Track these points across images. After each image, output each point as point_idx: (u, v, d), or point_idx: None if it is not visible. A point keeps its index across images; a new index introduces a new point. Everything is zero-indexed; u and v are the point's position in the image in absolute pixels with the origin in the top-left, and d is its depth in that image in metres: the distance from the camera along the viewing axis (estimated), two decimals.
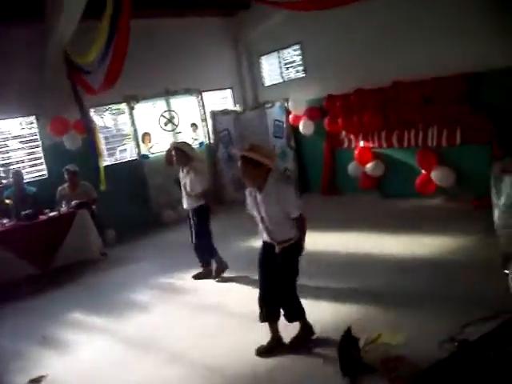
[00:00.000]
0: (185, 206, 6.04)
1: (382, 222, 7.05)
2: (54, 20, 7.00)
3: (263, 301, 3.98)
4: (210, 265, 6.11)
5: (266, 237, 3.95)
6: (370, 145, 8.68)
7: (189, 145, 6.07)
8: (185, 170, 5.88)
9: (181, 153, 5.78)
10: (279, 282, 3.90)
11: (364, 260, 5.76)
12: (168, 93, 10.13)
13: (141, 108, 9.91)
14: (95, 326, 5.26)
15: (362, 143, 8.82)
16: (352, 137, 9.06)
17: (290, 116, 9.93)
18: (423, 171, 7.77)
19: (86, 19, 6.85)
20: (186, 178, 5.87)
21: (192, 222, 5.97)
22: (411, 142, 7.96)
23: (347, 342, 3.40)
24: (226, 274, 5.96)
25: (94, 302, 5.92)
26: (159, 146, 10.04)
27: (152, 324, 4.99)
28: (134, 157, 9.99)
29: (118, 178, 9.33)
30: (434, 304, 4.21)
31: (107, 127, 10.37)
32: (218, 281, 5.91)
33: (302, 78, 10.08)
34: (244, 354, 3.91)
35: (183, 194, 5.97)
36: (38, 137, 8.93)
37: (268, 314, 3.97)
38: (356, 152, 8.83)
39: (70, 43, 7.67)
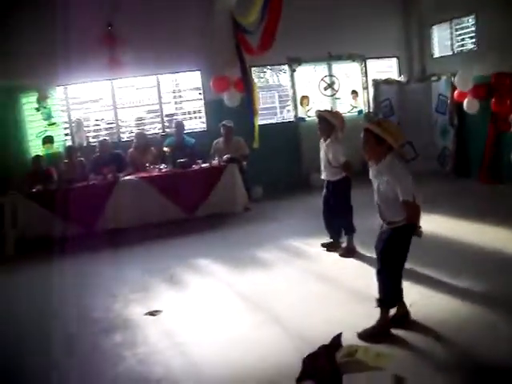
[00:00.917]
0: (323, 176, 5.83)
1: None
2: None
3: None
4: (340, 239, 5.89)
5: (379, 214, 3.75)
6: None
7: (333, 113, 5.83)
8: (327, 140, 5.63)
9: (324, 122, 5.60)
10: (380, 261, 3.68)
11: (504, 262, 5.06)
12: (331, 57, 9.93)
13: (302, 71, 9.89)
14: (218, 274, 5.52)
15: None
16: None
17: (456, 92, 9.06)
18: None
19: None
20: (327, 148, 5.63)
21: (329, 194, 5.76)
22: None
23: (326, 348, 3.05)
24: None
25: (224, 252, 6.18)
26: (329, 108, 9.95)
27: (267, 283, 5.05)
28: (291, 118, 10.06)
29: (272, 137, 9.50)
30: None
31: (270, 86, 10.57)
32: (341, 255, 5.72)
33: (473, 51, 9.10)
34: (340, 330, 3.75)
35: (322, 164, 5.77)
36: (201, 91, 9.44)
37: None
38: None
39: (236, 3, 7.87)
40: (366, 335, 3.58)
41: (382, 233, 3.78)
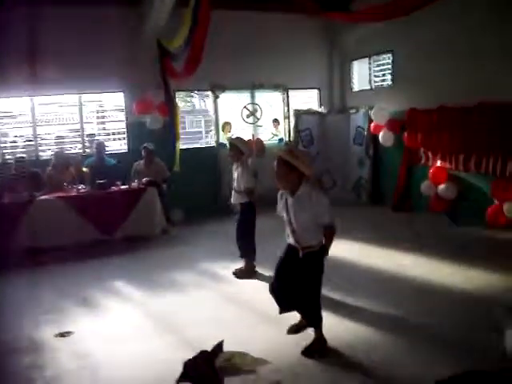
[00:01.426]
0: (232, 200, 6.19)
1: (444, 248, 6.74)
2: (150, 6, 7.43)
3: (277, 292, 4.05)
4: (251, 260, 6.15)
5: (291, 240, 3.98)
6: (447, 165, 8.32)
7: (242, 140, 6.17)
8: (236, 165, 6.02)
9: (234, 148, 5.94)
10: (300, 287, 3.93)
11: (409, 284, 5.52)
12: (254, 86, 10.34)
13: (226, 97, 10.21)
14: (132, 296, 5.60)
15: (438, 162, 8.48)
16: (430, 154, 8.73)
17: (372, 124, 9.75)
18: (496, 201, 7.33)
19: (180, 7, 7.20)
20: (236, 173, 6.01)
21: (237, 217, 6.12)
22: (489, 168, 7.54)
23: (205, 353, 3.34)
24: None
25: (140, 274, 6.28)
26: (240, 136, 10.27)
27: (181, 305, 5.20)
28: (212, 144, 10.33)
29: (194, 161, 9.71)
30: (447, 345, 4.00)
31: (197, 111, 10.78)
32: (234, 273, 6.06)
33: (389, 87, 9.88)
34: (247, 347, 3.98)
35: (233, 188, 6.11)
36: (123, 113, 9.51)
37: (281, 305, 4.06)
38: (431, 171, 8.51)
39: (163, 28, 8.08)
40: (309, 352, 3.87)
41: (290, 258, 3.98)
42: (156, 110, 9.22)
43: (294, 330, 4.26)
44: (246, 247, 6.08)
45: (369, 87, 10.52)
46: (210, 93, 10.17)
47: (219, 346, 3.48)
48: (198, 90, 10.23)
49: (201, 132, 10.59)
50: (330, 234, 3.87)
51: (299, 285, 3.93)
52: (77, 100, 9.35)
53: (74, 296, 5.54)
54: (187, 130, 10.51)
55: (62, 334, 4.50)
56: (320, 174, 10.31)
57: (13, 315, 5.06)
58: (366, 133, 10.11)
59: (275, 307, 4.19)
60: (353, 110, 10.55)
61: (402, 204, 9.43)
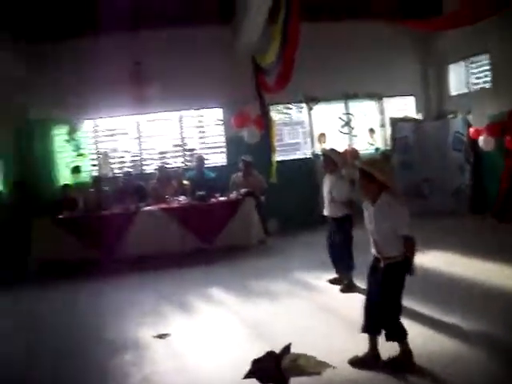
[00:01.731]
0: (326, 213, 6.04)
1: None
2: (242, 23, 7.71)
3: (366, 312, 3.99)
4: (347, 274, 5.98)
5: (374, 250, 3.95)
6: None
7: (336, 151, 6.10)
8: (331, 176, 5.90)
9: (327, 159, 5.90)
10: (381, 299, 3.86)
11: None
12: (348, 96, 10.28)
13: (320, 108, 10.26)
14: (227, 302, 5.80)
15: None
16: None
17: (471, 129, 9.29)
18: None
19: (271, 22, 7.41)
20: (331, 184, 5.87)
21: (333, 229, 5.97)
22: None
23: (272, 354, 3.31)
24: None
25: (235, 282, 6.48)
26: (334, 147, 10.24)
27: (272, 313, 5.28)
28: (308, 155, 10.39)
29: (290, 172, 9.82)
30: None
31: (295, 123, 10.94)
32: (341, 290, 5.87)
33: (488, 89, 9.37)
34: (333, 360, 3.95)
35: (326, 200, 5.98)
36: (222, 127, 9.89)
37: (367, 326, 3.96)
38: None
39: (256, 44, 8.34)
40: (394, 364, 3.78)
41: (375, 269, 3.93)
42: (253, 123, 9.48)
43: (355, 361, 3.95)
44: (344, 263, 5.91)
45: (467, 91, 10.05)
46: (304, 105, 10.26)
47: (287, 348, 3.55)
48: (292, 103, 10.36)
49: (298, 143, 10.70)
50: (409, 246, 3.76)
51: (380, 296, 3.86)
52: (178, 117, 9.88)
53: (173, 301, 5.85)
54: (285, 142, 10.67)
55: (160, 336, 4.76)
56: (418, 183, 9.98)
57: (117, 317, 5.47)
58: (465, 138, 9.65)
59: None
60: (451, 115, 10.12)
61: (506, 212, 8.81)
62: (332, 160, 5.82)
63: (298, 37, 6.06)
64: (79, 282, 6.91)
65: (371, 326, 3.95)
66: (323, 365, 2.92)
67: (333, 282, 6.12)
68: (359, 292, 5.63)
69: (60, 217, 8.01)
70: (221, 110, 9.94)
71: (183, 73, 9.15)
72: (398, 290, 3.84)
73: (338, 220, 5.87)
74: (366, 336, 4.00)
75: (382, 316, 3.89)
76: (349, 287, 5.81)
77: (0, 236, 8.15)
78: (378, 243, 3.88)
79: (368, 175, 3.79)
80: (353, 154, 9.91)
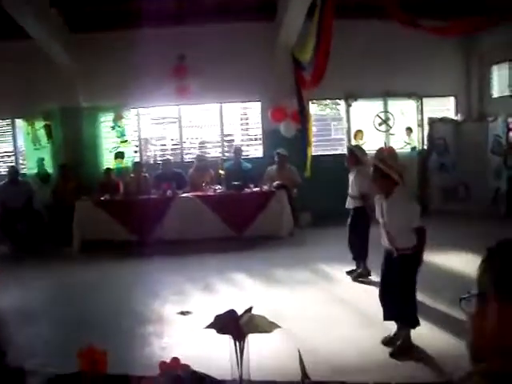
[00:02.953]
0: (346, 205, 6.39)
1: None
2: (283, 19, 7.96)
3: (381, 301, 4.24)
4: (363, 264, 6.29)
5: (386, 242, 4.17)
6: None
7: (362, 149, 6.36)
8: (353, 172, 6.24)
9: (353, 155, 6.16)
10: (396, 288, 4.09)
11: None
12: (387, 94, 10.36)
13: (358, 106, 10.39)
14: (248, 287, 6.18)
15: None
16: None
17: (511, 133, 9.22)
18: None
19: (310, 18, 7.62)
20: (353, 179, 6.22)
21: (349, 220, 6.32)
22: None
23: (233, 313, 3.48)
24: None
25: (259, 270, 6.76)
26: (370, 144, 10.36)
27: (290, 300, 5.57)
28: (344, 151, 10.52)
29: (324, 167, 10.00)
30: None
31: (335, 118, 11.12)
32: (353, 279, 6.20)
33: None
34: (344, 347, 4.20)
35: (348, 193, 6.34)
36: (260, 121, 10.18)
37: (386, 315, 4.21)
38: None
39: (295, 39, 8.57)
40: (397, 352, 4.02)
41: (389, 260, 4.18)
42: (290, 117, 9.71)
43: (387, 341, 4.27)
44: (359, 250, 6.23)
45: (509, 93, 9.92)
46: (342, 101, 10.41)
47: (249, 309, 3.82)
48: (331, 99, 10.53)
49: (335, 139, 10.87)
50: (420, 233, 3.99)
51: (396, 285, 4.08)
52: (218, 108, 10.24)
53: (199, 283, 6.23)
54: (322, 137, 10.85)
55: (183, 313, 5.16)
56: (455, 185, 9.99)
57: (147, 294, 5.90)
58: (504, 142, 9.57)
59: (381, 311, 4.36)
60: (491, 118, 10.02)
61: None
62: (356, 156, 6.06)
63: (331, 32, 6.28)
64: (117, 262, 7.38)
65: (389, 313, 4.20)
66: (273, 325, 3.19)
67: (350, 273, 6.38)
68: (370, 283, 5.91)
69: (101, 199, 8.53)
70: (259, 103, 10.20)
71: (224, 66, 9.44)
72: (413, 278, 4.08)
73: (353, 211, 6.24)
74: (376, 325, 4.26)
75: (398, 303, 4.12)
76: (360, 275, 6.14)
77: (49, 215, 8.82)
78: (392, 235, 4.11)
79: (381, 172, 4.07)
80: (390, 152, 9.97)
